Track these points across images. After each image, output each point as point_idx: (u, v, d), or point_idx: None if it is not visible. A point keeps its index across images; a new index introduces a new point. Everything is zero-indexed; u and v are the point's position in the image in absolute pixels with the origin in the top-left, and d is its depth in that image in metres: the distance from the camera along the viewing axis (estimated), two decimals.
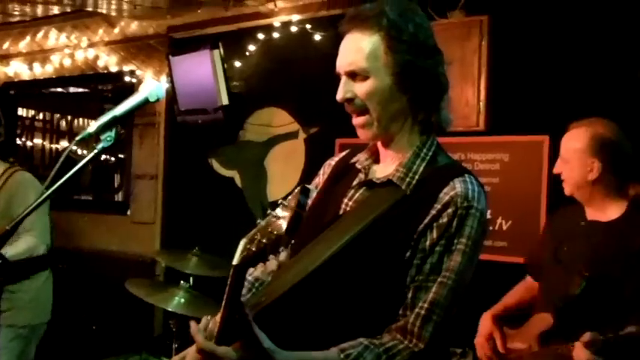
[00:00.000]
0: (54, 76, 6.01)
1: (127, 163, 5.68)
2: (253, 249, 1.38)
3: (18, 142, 6.67)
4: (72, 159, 1.64)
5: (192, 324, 1.55)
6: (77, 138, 1.63)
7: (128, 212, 5.57)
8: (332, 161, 1.91)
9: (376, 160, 1.75)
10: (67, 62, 5.78)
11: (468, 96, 3.67)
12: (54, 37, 5.77)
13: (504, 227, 3.63)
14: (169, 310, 3.55)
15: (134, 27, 5.30)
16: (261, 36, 4.63)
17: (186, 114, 4.86)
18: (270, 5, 4.43)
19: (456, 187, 1.57)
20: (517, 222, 3.59)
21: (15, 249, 3.52)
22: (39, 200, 1.63)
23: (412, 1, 1.74)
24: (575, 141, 2.63)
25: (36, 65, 6.04)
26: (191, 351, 1.62)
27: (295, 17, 4.45)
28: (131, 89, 5.11)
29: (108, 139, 1.61)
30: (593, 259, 2.53)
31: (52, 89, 6.40)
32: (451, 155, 1.74)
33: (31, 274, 3.75)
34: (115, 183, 6.02)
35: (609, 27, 3.37)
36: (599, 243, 2.56)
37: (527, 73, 3.60)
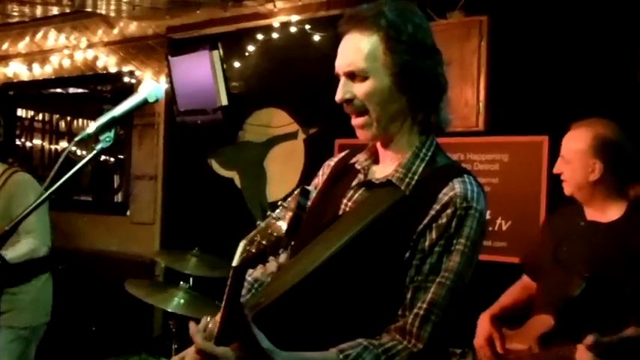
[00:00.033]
0: (53, 77, 6.00)
1: (126, 164, 5.67)
2: (253, 250, 1.39)
3: (17, 142, 6.68)
4: (71, 160, 1.64)
5: (192, 325, 1.55)
6: (76, 139, 1.63)
7: (128, 213, 5.57)
8: (331, 162, 1.91)
9: (375, 160, 1.75)
10: (67, 63, 5.77)
11: (467, 96, 3.67)
12: (53, 38, 5.76)
13: (504, 227, 3.63)
14: (169, 310, 3.54)
15: (133, 27, 5.30)
16: (260, 36, 4.63)
17: (185, 114, 4.86)
18: (270, 6, 4.42)
19: (455, 187, 1.57)
20: (516, 222, 3.59)
21: (17, 251, 3.53)
22: (38, 201, 1.63)
23: (411, 1, 1.74)
24: (577, 141, 2.62)
25: (35, 66, 6.03)
26: (190, 351, 1.62)
27: (294, 18, 4.45)
28: (130, 90, 5.10)
29: (107, 139, 1.61)
30: (593, 260, 2.53)
31: (52, 90, 6.40)
32: (450, 155, 1.74)
33: (33, 275, 3.75)
34: (115, 184, 6.02)
35: (608, 27, 3.37)
36: (600, 244, 2.55)
37: (526, 73, 3.60)
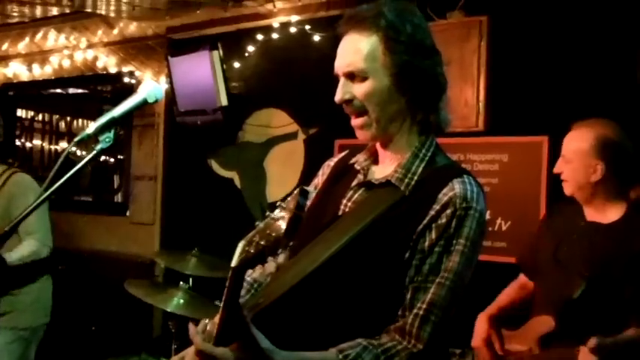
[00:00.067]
0: (53, 77, 6.00)
1: (126, 164, 5.68)
2: (252, 251, 1.38)
3: (17, 143, 6.68)
4: (71, 160, 1.64)
5: (191, 326, 1.55)
6: (76, 139, 1.63)
7: (127, 213, 5.57)
8: (331, 162, 1.91)
9: (375, 160, 1.75)
10: (66, 63, 5.78)
11: (467, 96, 3.67)
12: (53, 38, 5.77)
13: (504, 228, 3.63)
14: (168, 310, 3.54)
15: (133, 28, 5.30)
16: (260, 37, 4.63)
17: (185, 115, 4.86)
18: (269, 6, 4.42)
19: (455, 187, 1.57)
20: (516, 223, 3.59)
21: (19, 253, 3.53)
22: (38, 201, 1.63)
23: (411, 1, 1.74)
24: (579, 141, 2.61)
25: (35, 66, 6.04)
26: (190, 352, 1.62)
27: (294, 18, 4.45)
28: (130, 90, 5.10)
29: (107, 140, 1.61)
30: (593, 261, 2.52)
31: (51, 90, 6.41)
32: (450, 156, 1.74)
33: (35, 277, 3.75)
34: (115, 184, 6.02)
35: (608, 27, 3.37)
36: (600, 245, 2.55)
37: (526, 73, 3.60)
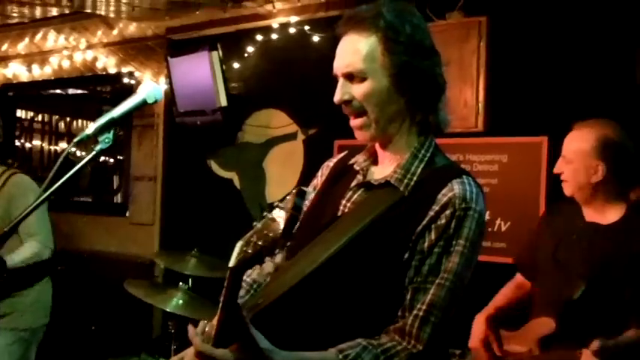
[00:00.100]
0: (52, 78, 6.00)
1: (125, 165, 5.68)
2: (250, 251, 1.38)
3: (17, 143, 6.68)
4: (70, 160, 1.64)
5: (190, 327, 1.55)
6: (75, 140, 1.62)
7: (127, 214, 5.57)
8: (330, 162, 1.91)
9: (374, 161, 1.75)
10: (66, 64, 5.78)
11: (466, 97, 3.67)
12: (52, 39, 5.77)
13: (503, 228, 3.63)
14: (168, 311, 3.54)
15: (132, 28, 5.30)
16: (259, 37, 4.63)
17: (184, 115, 4.86)
18: (269, 7, 4.43)
19: (454, 188, 1.57)
20: (516, 223, 3.59)
21: (21, 255, 3.53)
22: (37, 201, 1.63)
23: (410, 2, 1.74)
24: (580, 142, 2.60)
25: (35, 67, 6.04)
26: (189, 353, 1.62)
27: (294, 19, 4.45)
28: (130, 91, 5.10)
29: (106, 140, 1.61)
30: (593, 262, 2.52)
31: (51, 91, 6.41)
32: (450, 156, 1.74)
33: (37, 279, 3.75)
34: (114, 184, 6.02)
35: (607, 28, 3.37)
36: (600, 245, 2.54)
37: (525, 74, 3.61)
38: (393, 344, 1.51)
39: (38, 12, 5.21)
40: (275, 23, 4.54)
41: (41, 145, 6.75)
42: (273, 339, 1.48)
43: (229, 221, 4.55)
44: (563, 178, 2.67)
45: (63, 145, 6.69)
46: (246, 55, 4.72)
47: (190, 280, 3.73)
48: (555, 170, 2.71)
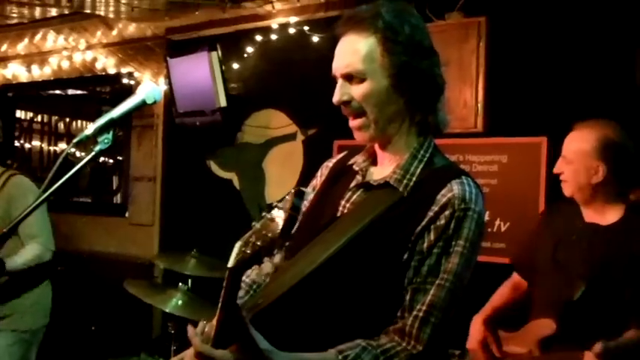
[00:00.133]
0: (52, 78, 6.00)
1: (125, 165, 5.68)
2: (249, 251, 1.39)
3: (16, 144, 6.68)
4: (70, 161, 1.64)
5: (190, 328, 1.55)
6: (75, 140, 1.62)
7: (126, 214, 5.57)
8: (329, 163, 1.91)
9: (373, 162, 1.75)
10: (65, 64, 5.78)
11: (466, 97, 3.67)
12: (52, 40, 5.77)
13: (503, 229, 3.63)
14: (167, 311, 3.54)
15: (132, 29, 5.30)
16: (259, 38, 4.63)
17: (184, 116, 4.86)
18: (268, 7, 4.43)
19: (454, 188, 1.57)
20: (515, 223, 3.59)
21: (24, 258, 3.53)
22: (37, 202, 1.63)
23: (410, 2, 1.74)
24: (581, 142, 2.59)
25: (34, 67, 6.04)
26: (189, 353, 1.62)
27: (293, 19, 4.45)
28: (129, 91, 5.10)
29: (105, 141, 1.61)
30: (593, 263, 2.52)
31: (51, 91, 6.42)
32: (449, 157, 1.74)
33: (38, 281, 3.76)
34: (114, 185, 6.02)
35: (607, 28, 3.37)
36: (600, 246, 2.54)
37: (525, 74, 3.60)
38: (393, 345, 1.51)
39: (37, 12, 5.21)
40: (274, 24, 4.54)
41: (40, 145, 6.75)
42: (272, 339, 1.48)
43: (229, 222, 4.55)
44: (562, 178, 2.66)
45: (62, 145, 6.69)
46: (245, 55, 4.72)
47: (190, 280, 3.73)
48: (555, 170, 2.70)
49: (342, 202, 1.69)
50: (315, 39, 4.33)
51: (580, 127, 2.64)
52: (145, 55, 5.36)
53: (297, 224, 1.43)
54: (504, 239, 3.61)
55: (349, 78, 1.62)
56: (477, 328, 2.83)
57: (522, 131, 3.61)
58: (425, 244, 1.55)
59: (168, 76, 4.84)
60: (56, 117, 6.77)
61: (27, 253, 3.55)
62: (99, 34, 5.50)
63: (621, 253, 2.50)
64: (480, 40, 3.66)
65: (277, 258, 1.84)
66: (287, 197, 1.38)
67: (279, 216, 1.37)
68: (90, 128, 1.61)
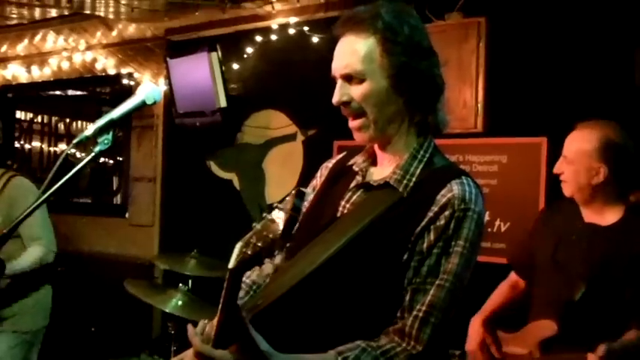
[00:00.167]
0: (52, 79, 6.01)
1: (125, 166, 5.68)
2: (249, 252, 1.39)
3: (16, 145, 6.68)
4: (70, 162, 1.64)
5: (189, 327, 1.55)
6: (75, 141, 1.62)
7: (126, 215, 5.57)
8: (329, 163, 1.91)
9: (373, 162, 1.75)
10: (65, 65, 5.78)
11: (465, 98, 3.67)
12: (52, 40, 5.77)
13: (502, 229, 3.63)
14: (167, 311, 3.55)
15: (132, 30, 5.30)
16: (258, 38, 4.63)
17: (184, 116, 4.86)
18: (268, 7, 4.42)
19: (453, 189, 1.57)
20: (515, 224, 3.59)
21: (27, 261, 3.54)
22: (37, 202, 1.63)
23: (409, 3, 1.74)
24: (582, 142, 2.58)
25: (34, 68, 6.04)
26: (189, 354, 1.62)
27: (293, 19, 4.45)
28: (129, 92, 5.11)
29: (105, 141, 1.61)
30: (593, 263, 2.52)
31: (50, 92, 6.42)
32: (449, 157, 1.74)
33: (42, 283, 3.76)
34: (114, 186, 6.03)
35: (606, 28, 3.37)
36: (600, 247, 2.54)
37: (525, 74, 3.60)
38: (393, 346, 1.51)
39: (37, 13, 5.21)
40: (274, 24, 4.54)
41: (41, 146, 6.75)
42: (272, 340, 1.48)
43: (229, 222, 4.55)
44: (562, 178, 2.66)
45: (62, 146, 6.69)
46: (245, 56, 4.72)
47: (190, 281, 3.73)
48: (555, 170, 2.69)
49: (342, 203, 1.69)
50: (315, 39, 4.33)
51: (581, 127, 2.63)
52: (144, 56, 5.36)
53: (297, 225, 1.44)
54: (504, 239, 3.61)
55: (349, 78, 1.62)
56: (475, 329, 2.82)
57: (522, 131, 3.61)
58: (425, 245, 1.55)
59: (168, 77, 4.84)
60: (56, 118, 6.78)
61: (30, 255, 3.55)
62: (99, 34, 5.50)
63: (621, 253, 2.50)
64: (480, 41, 3.66)
65: (278, 259, 1.84)
66: (287, 198, 1.38)
67: (279, 217, 1.37)
68: (90, 129, 1.60)
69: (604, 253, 2.52)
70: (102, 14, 4.92)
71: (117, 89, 5.67)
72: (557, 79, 3.50)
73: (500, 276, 3.02)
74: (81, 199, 6.19)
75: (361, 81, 1.60)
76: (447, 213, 1.55)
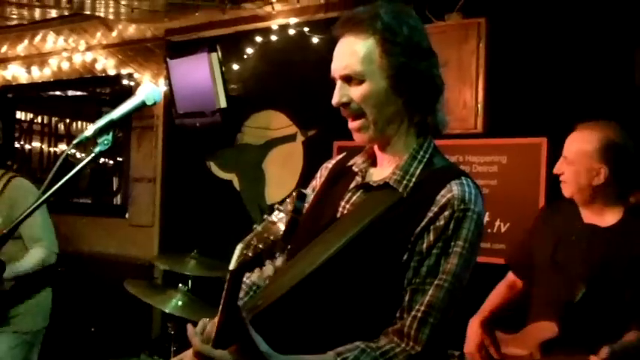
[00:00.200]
0: (52, 80, 6.01)
1: (125, 166, 5.68)
2: (250, 254, 1.39)
3: (16, 145, 6.68)
4: (70, 162, 1.64)
5: (189, 327, 1.55)
6: (75, 141, 1.62)
7: (126, 215, 5.57)
8: (329, 164, 1.91)
9: (373, 163, 1.75)
10: (65, 65, 5.78)
11: (465, 98, 3.67)
12: (52, 41, 5.77)
13: (502, 229, 3.63)
14: (167, 312, 3.55)
15: (132, 30, 5.30)
16: (258, 39, 4.63)
17: (184, 117, 4.87)
18: (268, 8, 4.43)
19: (453, 189, 1.57)
20: (515, 224, 3.59)
21: (30, 262, 3.54)
22: (37, 203, 1.63)
23: (409, 3, 1.74)
24: (582, 143, 2.58)
25: (34, 69, 6.04)
26: (188, 354, 1.62)
27: (293, 20, 4.45)
28: (129, 92, 5.10)
29: (105, 142, 1.61)
30: (593, 264, 2.51)
31: (50, 92, 6.42)
32: (449, 157, 1.74)
33: (44, 284, 3.76)
34: (114, 186, 6.03)
35: (606, 29, 3.37)
36: (599, 248, 2.53)
37: (524, 75, 3.61)
38: (392, 346, 1.51)
39: (37, 14, 5.21)
40: (274, 25, 4.54)
41: (41, 146, 6.75)
42: (271, 341, 1.48)
43: (229, 223, 4.56)
44: (562, 179, 2.65)
45: (62, 146, 6.70)
46: (245, 56, 4.72)
47: (190, 281, 3.73)
48: (555, 170, 2.69)
49: (342, 203, 1.69)
50: (315, 40, 4.33)
51: (582, 127, 2.63)
52: (144, 57, 5.36)
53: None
54: (504, 240, 3.61)
55: (348, 79, 1.62)
56: (473, 330, 2.82)
57: (522, 132, 3.61)
58: (424, 245, 1.55)
59: (168, 77, 4.84)
60: (56, 118, 6.78)
61: (32, 257, 3.56)
62: (99, 35, 5.51)
63: (621, 255, 2.50)
64: (480, 41, 3.66)
65: (279, 261, 1.83)
66: (288, 200, 1.38)
67: (280, 218, 1.37)
68: (90, 129, 1.60)
69: (604, 255, 2.52)
70: (102, 15, 4.92)
71: (117, 90, 5.67)
72: (557, 79, 3.50)
73: (499, 277, 3.02)
74: (81, 200, 6.20)
75: (361, 82, 1.60)
76: (446, 213, 1.55)
